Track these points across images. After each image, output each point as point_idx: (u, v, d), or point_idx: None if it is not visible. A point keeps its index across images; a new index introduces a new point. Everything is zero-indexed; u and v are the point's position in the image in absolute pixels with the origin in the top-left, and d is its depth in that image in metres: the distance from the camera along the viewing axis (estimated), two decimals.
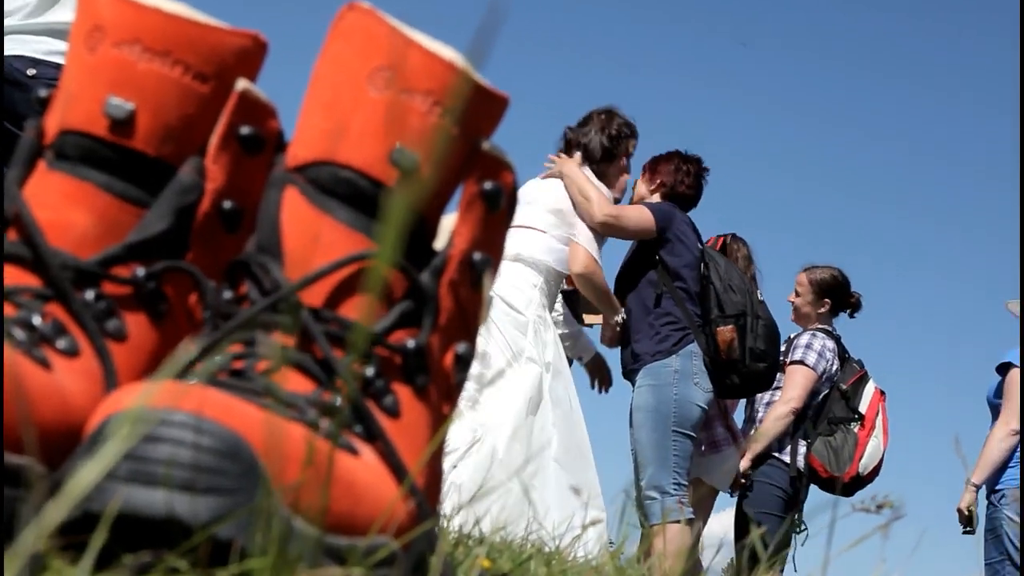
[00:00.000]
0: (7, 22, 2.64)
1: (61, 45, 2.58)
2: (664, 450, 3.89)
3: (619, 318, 4.14)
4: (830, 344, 4.75)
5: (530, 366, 3.62)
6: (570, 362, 4.15)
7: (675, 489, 3.85)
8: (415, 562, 0.72)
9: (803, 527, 4.52)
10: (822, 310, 4.88)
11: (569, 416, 3.67)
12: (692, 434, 3.97)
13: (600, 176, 4.07)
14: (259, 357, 0.72)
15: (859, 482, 4.61)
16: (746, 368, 4.04)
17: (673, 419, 3.91)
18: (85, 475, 0.55)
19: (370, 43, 0.78)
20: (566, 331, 4.21)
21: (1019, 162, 3.62)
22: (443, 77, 0.78)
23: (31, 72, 2.55)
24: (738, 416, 4.82)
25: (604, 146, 4.11)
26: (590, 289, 3.99)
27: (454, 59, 0.78)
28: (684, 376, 3.96)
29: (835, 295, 4.89)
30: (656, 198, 4.33)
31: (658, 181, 4.36)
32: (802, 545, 4.49)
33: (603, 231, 4.00)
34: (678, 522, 3.77)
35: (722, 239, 4.65)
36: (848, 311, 4.97)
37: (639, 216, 4.12)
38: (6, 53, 2.59)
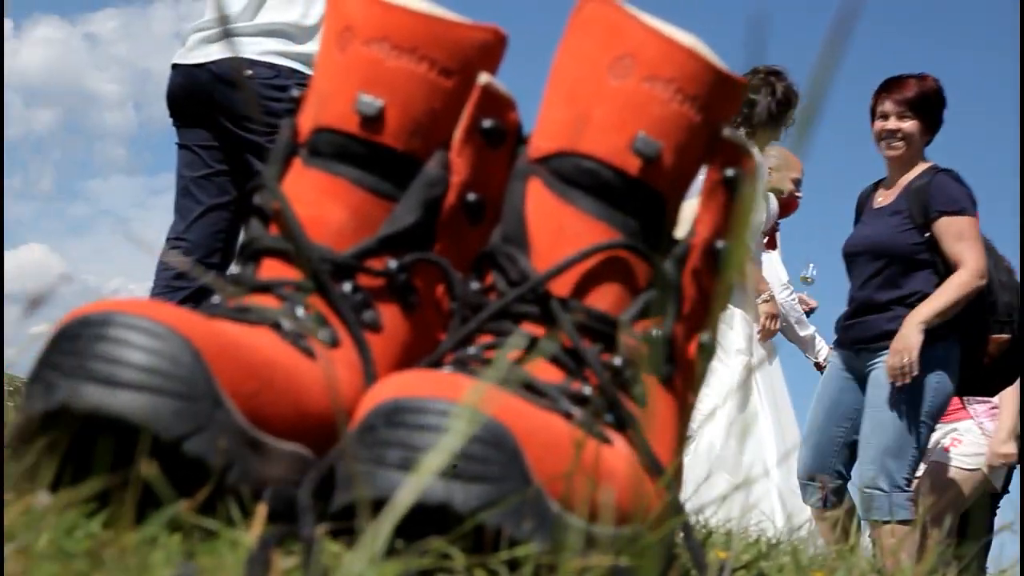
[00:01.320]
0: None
1: (273, 44, 2.67)
2: (906, 440, 3.43)
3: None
4: None
5: (739, 358, 3.57)
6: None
7: (907, 485, 3.41)
8: (667, 552, 0.73)
9: None
10: None
11: (781, 409, 3.61)
12: (935, 427, 3.63)
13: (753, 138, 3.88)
14: (510, 347, 0.74)
15: None
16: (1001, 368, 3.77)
17: (925, 408, 3.45)
18: (429, 463, 0.57)
19: (610, 32, 0.78)
20: (803, 334, 4.15)
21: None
22: (684, 64, 0.77)
23: (248, 72, 2.65)
24: None
25: (771, 111, 3.93)
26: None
27: (695, 45, 0.78)
28: (947, 364, 3.48)
29: None
30: None
31: None
32: None
33: None
34: (907, 522, 3.33)
35: None
36: None
37: None
38: (221, 56, 2.70)
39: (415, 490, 0.57)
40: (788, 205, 4.48)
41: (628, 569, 0.63)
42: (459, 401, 0.61)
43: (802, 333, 4.26)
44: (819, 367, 4.36)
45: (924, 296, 3.40)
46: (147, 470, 0.51)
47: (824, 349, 4.37)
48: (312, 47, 2.71)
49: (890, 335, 3.41)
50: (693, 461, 3.21)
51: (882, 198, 3.64)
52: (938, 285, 3.41)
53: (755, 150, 3.71)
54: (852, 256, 3.60)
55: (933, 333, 3.35)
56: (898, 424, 3.42)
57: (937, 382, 3.43)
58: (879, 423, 3.42)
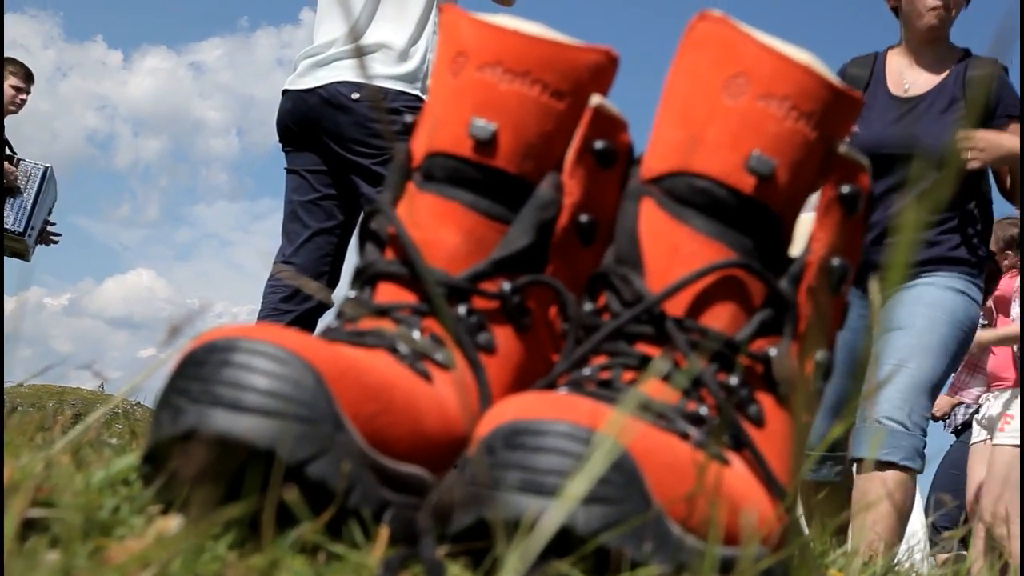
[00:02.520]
0: (329, 52, 2.80)
1: (380, 67, 2.71)
2: (940, 375, 2.78)
3: None
4: None
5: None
6: None
7: (922, 433, 2.70)
8: (784, 572, 0.72)
9: None
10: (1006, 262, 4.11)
11: None
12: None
13: None
14: (624, 367, 0.74)
15: None
16: None
17: (961, 341, 2.82)
18: (573, 489, 0.58)
19: (724, 51, 0.78)
20: None
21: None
22: (799, 81, 0.77)
23: (355, 96, 2.70)
24: None
25: None
26: None
27: (809, 62, 0.77)
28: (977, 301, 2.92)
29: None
30: None
31: None
32: None
33: None
34: (911, 471, 2.68)
35: None
36: None
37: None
38: (332, 80, 2.75)
39: (553, 516, 0.57)
40: None
41: None
42: (591, 426, 0.61)
43: None
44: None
45: (970, 217, 2.83)
46: (288, 495, 0.52)
47: None
48: (411, 65, 2.75)
49: (930, 262, 2.80)
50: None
51: (909, 85, 2.94)
52: (980, 206, 2.86)
53: None
54: (881, 158, 2.76)
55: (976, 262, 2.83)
56: (936, 353, 2.73)
57: (974, 317, 2.84)
58: (916, 348, 2.73)
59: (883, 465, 2.63)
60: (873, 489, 2.63)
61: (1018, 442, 3.83)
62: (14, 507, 0.53)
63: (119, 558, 0.55)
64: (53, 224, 5.83)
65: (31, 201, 5.50)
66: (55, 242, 5.90)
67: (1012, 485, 3.76)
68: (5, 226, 5.40)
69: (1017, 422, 3.87)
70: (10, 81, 5.34)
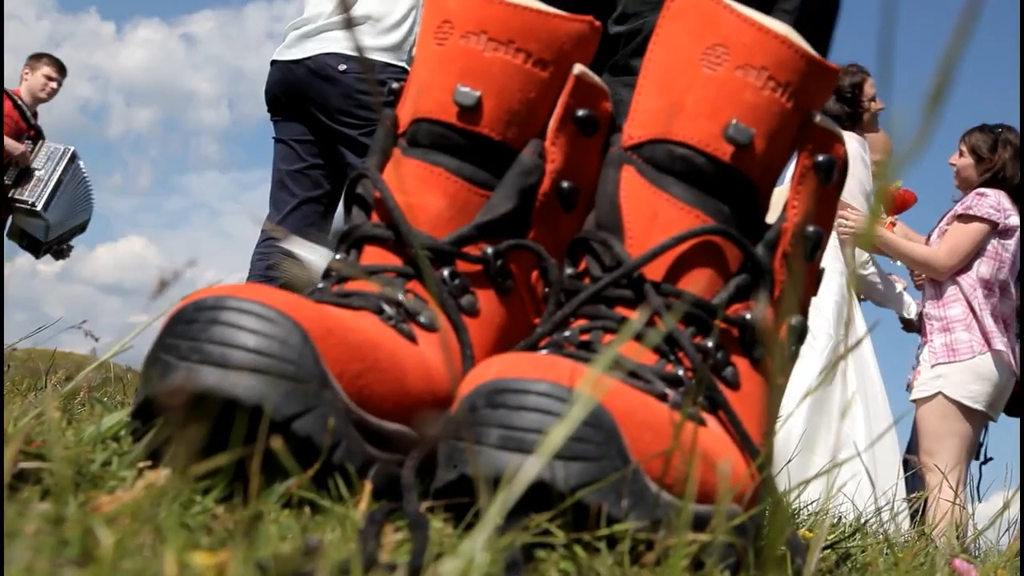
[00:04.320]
0: (317, 24, 2.81)
1: (367, 39, 2.72)
2: None
3: None
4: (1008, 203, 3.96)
5: (827, 341, 3.54)
6: None
7: None
8: (756, 529, 0.74)
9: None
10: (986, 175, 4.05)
11: (870, 389, 3.57)
12: None
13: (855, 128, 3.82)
14: (604, 330, 0.75)
15: None
16: None
17: None
18: (546, 446, 0.59)
19: (703, 22, 0.79)
20: (889, 291, 4.06)
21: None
22: (776, 52, 0.78)
23: (342, 67, 2.72)
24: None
25: (846, 112, 3.88)
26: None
27: (787, 33, 0.79)
28: None
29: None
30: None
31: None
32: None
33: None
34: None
35: None
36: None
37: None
38: (320, 52, 2.77)
39: (531, 471, 0.58)
40: (905, 200, 4.39)
41: (725, 546, 0.64)
42: (570, 386, 0.63)
43: (886, 292, 4.15)
44: (907, 325, 4.28)
45: None
46: (275, 445, 0.54)
47: (912, 305, 4.26)
48: (397, 36, 2.76)
49: None
50: (782, 442, 3.19)
51: None
52: None
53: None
54: None
55: None
56: None
57: None
58: None
59: None
60: None
61: (921, 395, 3.85)
62: (6, 458, 0.55)
63: (108, 508, 0.56)
64: (71, 247, 6.00)
65: (53, 182, 5.56)
66: (65, 257, 6.07)
67: (927, 435, 3.78)
68: (25, 198, 5.48)
69: (925, 375, 3.88)
70: (43, 71, 5.84)
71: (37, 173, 5.54)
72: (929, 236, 4.08)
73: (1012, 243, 3.85)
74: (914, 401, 3.87)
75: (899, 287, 4.30)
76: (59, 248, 5.99)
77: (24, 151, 5.49)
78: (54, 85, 5.88)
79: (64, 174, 5.65)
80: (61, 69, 5.92)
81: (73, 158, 5.72)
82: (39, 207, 5.53)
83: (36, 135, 5.70)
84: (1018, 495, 1.11)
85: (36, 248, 5.82)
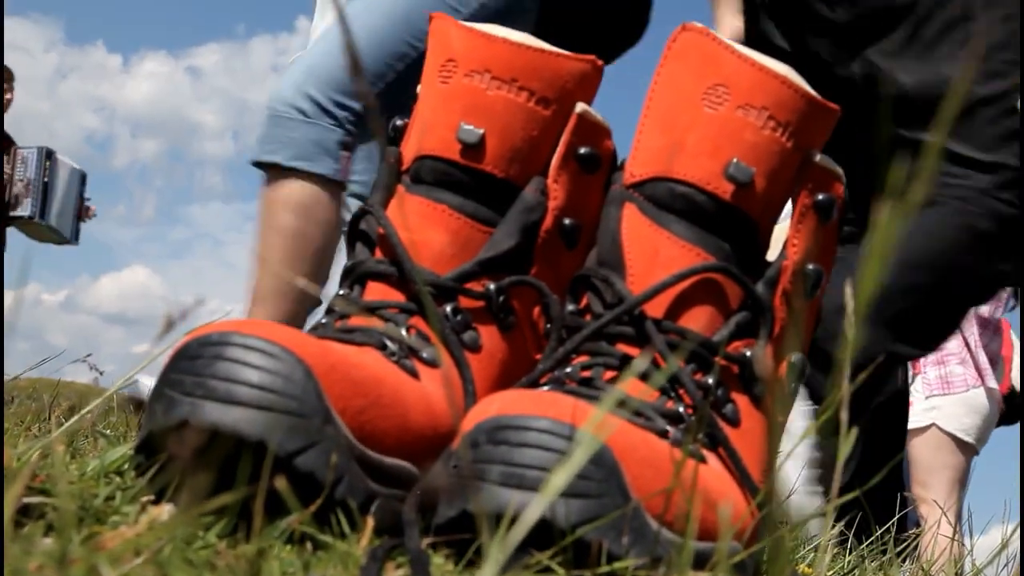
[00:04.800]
0: None
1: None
2: None
3: None
4: None
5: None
6: None
7: None
8: (756, 567, 0.74)
9: None
10: None
11: None
12: None
13: None
14: (605, 367, 0.76)
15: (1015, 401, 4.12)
16: None
17: None
18: (554, 482, 0.59)
19: (704, 62, 0.80)
20: None
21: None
22: (777, 92, 0.79)
23: None
24: None
25: None
26: None
27: (787, 73, 0.80)
28: None
29: None
30: None
31: None
32: None
33: None
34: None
35: None
36: None
37: None
38: None
39: (534, 509, 0.59)
40: None
41: None
42: (572, 423, 0.63)
43: None
44: None
45: None
46: (279, 483, 0.54)
47: None
48: None
49: None
50: (785, 479, 3.17)
51: None
52: None
53: None
54: None
55: None
56: None
57: None
58: None
59: None
60: None
61: (914, 426, 3.84)
62: (10, 494, 0.55)
63: (112, 544, 0.56)
64: (88, 199, 5.84)
65: (39, 184, 5.49)
66: (92, 215, 5.91)
67: (921, 467, 3.77)
68: (20, 214, 5.43)
69: (918, 406, 3.89)
70: None
71: (19, 182, 5.45)
72: None
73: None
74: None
75: None
76: (81, 211, 5.83)
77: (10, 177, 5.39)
78: (9, 96, 5.62)
79: (49, 175, 5.55)
80: (9, 76, 5.63)
81: (50, 155, 5.61)
82: (35, 215, 5.47)
83: (8, 143, 5.54)
84: (1018, 532, 1.11)
85: (60, 238, 5.72)
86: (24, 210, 5.48)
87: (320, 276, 1.93)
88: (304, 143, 1.86)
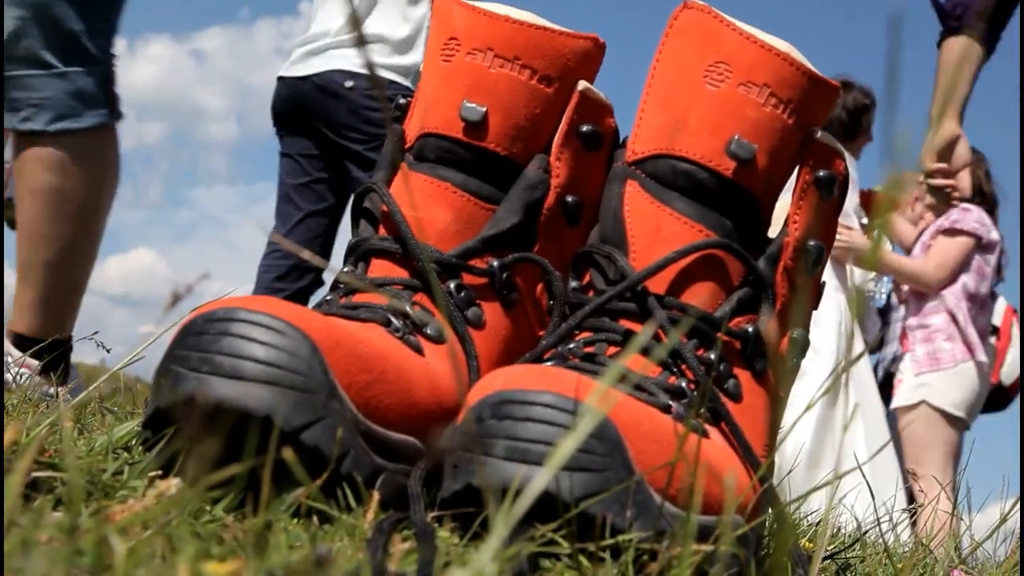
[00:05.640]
0: (324, 41, 2.83)
1: (375, 57, 2.74)
2: None
3: None
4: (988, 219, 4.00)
5: (824, 354, 3.55)
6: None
7: None
8: (758, 539, 0.75)
9: None
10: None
11: (867, 404, 3.58)
12: None
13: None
14: (608, 342, 0.77)
15: (1002, 394, 4.14)
16: None
17: None
18: (557, 456, 0.60)
19: (706, 39, 0.80)
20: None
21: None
22: (778, 69, 0.79)
23: (349, 84, 2.74)
24: None
25: (843, 122, 3.92)
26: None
27: (789, 50, 0.80)
28: None
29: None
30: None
31: None
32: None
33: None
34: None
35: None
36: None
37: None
38: (326, 69, 2.79)
39: (538, 483, 0.59)
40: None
41: (728, 556, 0.65)
42: (575, 397, 0.64)
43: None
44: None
45: None
46: (286, 455, 0.55)
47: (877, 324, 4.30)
48: (408, 59, 2.78)
49: None
50: (783, 455, 3.19)
51: None
52: None
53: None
54: None
55: None
56: None
57: None
58: None
59: None
60: None
61: (904, 403, 3.87)
62: (19, 468, 0.56)
63: (121, 517, 0.57)
64: None
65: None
66: None
67: (914, 443, 3.78)
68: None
69: (908, 383, 3.91)
70: None
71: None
72: (910, 249, 4.11)
73: (993, 257, 3.91)
74: (895, 410, 3.90)
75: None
76: None
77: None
78: None
79: None
80: None
81: None
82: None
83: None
84: (1017, 507, 1.12)
85: None
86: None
87: (91, 234, 1.83)
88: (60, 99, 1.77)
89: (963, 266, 3.88)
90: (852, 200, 3.90)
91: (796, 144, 0.81)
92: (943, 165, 2.69)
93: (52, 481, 0.62)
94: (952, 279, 3.87)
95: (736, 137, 0.79)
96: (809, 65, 0.81)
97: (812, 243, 0.82)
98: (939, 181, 2.79)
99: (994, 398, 4.15)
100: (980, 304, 3.91)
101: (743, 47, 0.79)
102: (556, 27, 0.85)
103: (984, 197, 3.99)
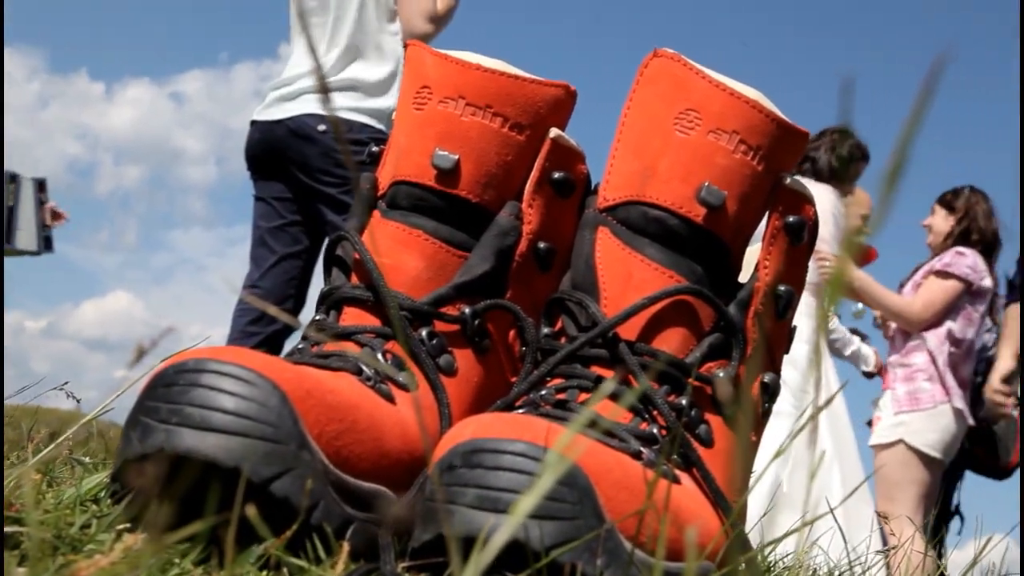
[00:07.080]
0: (297, 85, 2.84)
1: (346, 100, 2.75)
2: None
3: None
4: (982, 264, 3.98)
5: (803, 396, 3.55)
6: None
7: None
8: None
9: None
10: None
11: (842, 444, 3.58)
12: None
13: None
14: (580, 389, 0.77)
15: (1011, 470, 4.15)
16: None
17: None
18: (525, 505, 0.60)
19: (676, 87, 0.81)
20: (848, 352, 4.12)
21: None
22: (747, 116, 0.80)
23: (321, 128, 2.75)
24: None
25: (832, 166, 3.96)
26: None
27: (758, 98, 0.81)
28: None
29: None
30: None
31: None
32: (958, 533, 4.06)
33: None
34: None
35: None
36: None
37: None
38: (299, 112, 2.79)
39: (508, 531, 0.59)
40: (867, 255, 4.43)
41: None
42: (546, 445, 0.64)
43: (847, 352, 4.23)
44: (869, 375, 4.31)
45: None
46: (249, 511, 0.54)
47: (871, 356, 4.29)
48: (381, 102, 2.79)
49: None
50: (756, 498, 3.19)
51: None
52: None
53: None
54: None
55: None
56: None
57: None
58: None
59: None
60: None
61: (881, 441, 3.87)
62: None
63: (87, 573, 0.56)
64: (53, 204, 5.76)
65: (3, 210, 5.43)
66: (65, 220, 5.84)
67: (888, 482, 3.78)
68: (20, 247, 5.41)
69: (886, 421, 3.90)
70: None
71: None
72: (902, 286, 4.12)
73: (983, 305, 3.92)
74: (872, 446, 3.90)
75: (855, 344, 4.34)
76: (50, 216, 5.76)
77: None
78: None
79: (14, 198, 5.50)
80: None
81: (14, 178, 5.56)
82: (37, 248, 5.45)
83: None
84: (992, 544, 1.11)
85: (32, 253, 5.65)
86: (22, 244, 5.45)
87: None
88: None
89: (950, 310, 3.89)
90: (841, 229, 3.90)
91: (766, 190, 0.82)
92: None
93: (18, 536, 0.61)
94: (937, 322, 3.88)
95: (706, 184, 0.79)
96: (778, 112, 0.82)
97: (782, 288, 0.82)
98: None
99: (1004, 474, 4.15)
100: (966, 350, 3.91)
101: (712, 95, 0.80)
102: (527, 75, 0.86)
103: (982, 236, 3.98)
